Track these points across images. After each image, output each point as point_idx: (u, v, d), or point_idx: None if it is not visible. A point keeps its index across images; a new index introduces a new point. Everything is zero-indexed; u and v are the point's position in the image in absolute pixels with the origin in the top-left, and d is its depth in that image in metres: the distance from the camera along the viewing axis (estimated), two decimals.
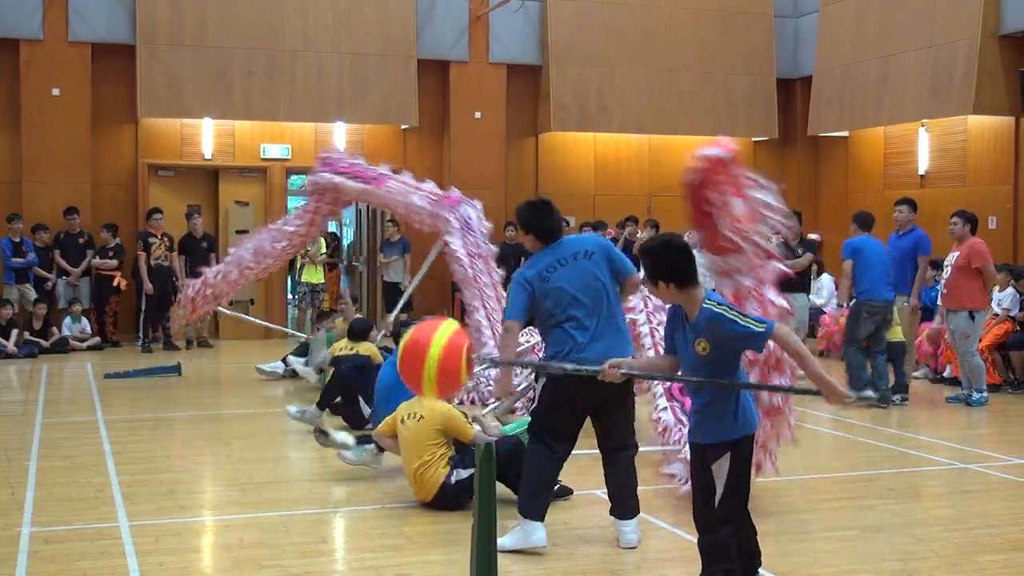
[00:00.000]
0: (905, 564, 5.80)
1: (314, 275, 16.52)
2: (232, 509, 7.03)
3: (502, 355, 6.22)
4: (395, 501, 7.00)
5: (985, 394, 11.22)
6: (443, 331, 5.49)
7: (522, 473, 6.04)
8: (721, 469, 4.65)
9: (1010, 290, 12.49)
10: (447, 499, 6.76)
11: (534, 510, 5.91)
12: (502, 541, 5.78)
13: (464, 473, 6.71)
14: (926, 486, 7.84)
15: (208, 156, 17.09)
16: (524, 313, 5.96)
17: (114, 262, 15.84)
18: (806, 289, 12.92)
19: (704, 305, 4.60)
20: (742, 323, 4.52)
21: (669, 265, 4.66)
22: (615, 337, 5.94)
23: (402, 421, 6.97)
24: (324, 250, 16.74)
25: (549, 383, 5.95)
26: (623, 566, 5.80)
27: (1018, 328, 12.32)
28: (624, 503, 6.07)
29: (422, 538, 6.24)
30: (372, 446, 7.51)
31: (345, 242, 20.53)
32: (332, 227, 18.71)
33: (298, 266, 16.90)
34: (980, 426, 10.45)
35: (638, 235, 15.67)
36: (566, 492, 7.04)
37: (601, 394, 5.75)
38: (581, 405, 5.97)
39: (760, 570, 5.01)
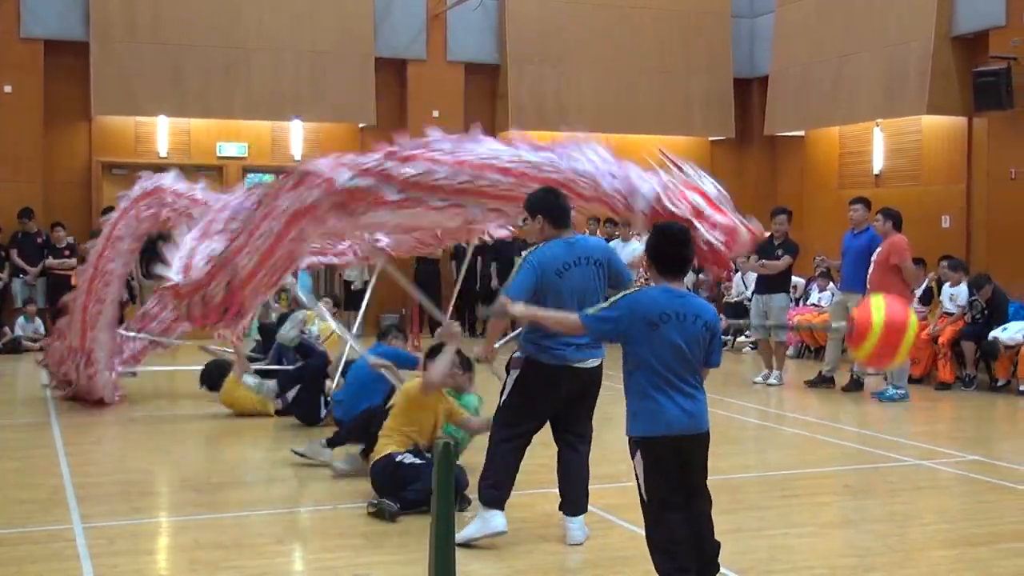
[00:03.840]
0: (861, 559, 5.84)
1: None
2: (187, 510, 6.96)
3: (491, 330, 6.35)
4: (352, 501, 6.95)
5: (903, 391, 11.32)
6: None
7: (488, 462, 5.99)
8: (637, 464, 4.69)
9: (963, 287, 12.59)
10: (383, 471, 6.68)
11: (497, 500, 5.92)
12: (462, 533, 5.79)
13: (416, 460, 6.65)
14: (882, 483, 7.90)
15: (163, 154, 16.92)
16: (528, 295, 5.69)
17: (72, 261, 15.66)
18: (785, 289, 12.86)
19: None
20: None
21: (657, 247, 4.75)
22: (593, 347, 5.93)
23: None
24: None
25: (526, 372, 5.89)
26: (580, 564, 5.80)
27: (967, 323, 12.45)
28: (577, 500, 6.08)
29: (379, 537, 6.20)
30: (357, 452, 7.46)
31: None
32: None
33: None
34: (935, 423, 10.58)
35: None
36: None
37: (580, 382, 5.90)
38: (558, 393, 5.94)
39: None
